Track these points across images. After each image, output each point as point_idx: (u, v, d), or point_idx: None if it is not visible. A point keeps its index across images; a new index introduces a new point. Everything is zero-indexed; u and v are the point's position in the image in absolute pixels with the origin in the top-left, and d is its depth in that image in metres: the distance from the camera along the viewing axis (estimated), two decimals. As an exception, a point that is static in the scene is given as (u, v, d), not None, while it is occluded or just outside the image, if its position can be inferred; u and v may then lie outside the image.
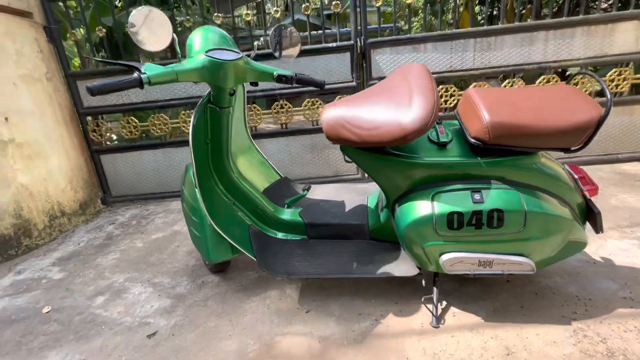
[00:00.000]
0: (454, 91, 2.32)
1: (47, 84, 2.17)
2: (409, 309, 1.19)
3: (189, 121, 2.10)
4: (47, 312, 1.40)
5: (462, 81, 3.39)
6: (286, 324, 1.20)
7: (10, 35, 1.93)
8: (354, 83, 2.32)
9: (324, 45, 2.26)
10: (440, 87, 2.32)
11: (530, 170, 0.96)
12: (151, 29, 0.90)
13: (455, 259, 1.01)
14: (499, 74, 2.41)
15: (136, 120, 2.44)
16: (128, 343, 1.18)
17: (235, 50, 1.06)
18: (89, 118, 2.44)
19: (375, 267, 1.18)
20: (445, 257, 1.01)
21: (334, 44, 2.26)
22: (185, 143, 2.40)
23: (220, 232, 1.13)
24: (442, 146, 1.01)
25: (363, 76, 2.33)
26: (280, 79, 1.07)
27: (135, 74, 0.85)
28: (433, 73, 2.29)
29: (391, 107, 0.95)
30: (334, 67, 2.31)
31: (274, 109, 2.41)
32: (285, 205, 1.45)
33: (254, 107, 2.41)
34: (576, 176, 1.04)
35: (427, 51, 2.26)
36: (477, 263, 1.00)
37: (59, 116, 2.24)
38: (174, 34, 0.94)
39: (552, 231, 0.96)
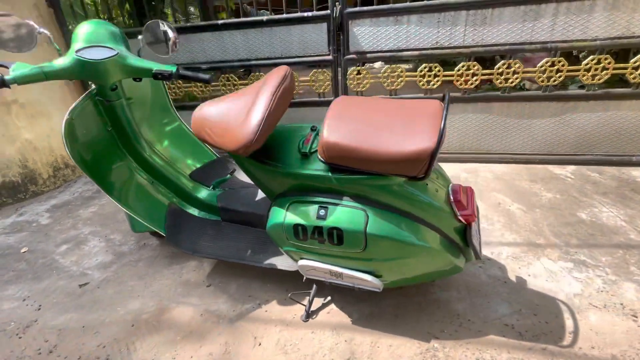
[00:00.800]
0: (439, 71, 2.09)
1: (47, 47, 2.38)
2: (294, 301, 1.27)
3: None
4: (24, 252, 1.72)
5: (449, 61, 2.99)
6: (186, 294, 1.35)
7: (9, 2, 2.12)
8: (330, 57, 2.20)
9: (298, 14, 2.13)
10: (424, 65, 2.10)
11: (388, 191, 0.91)
12: (13, 33, 0.97)
13: (309, 266, 1.04)
14: (492, 54, 2.11)
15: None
16: (64, 289, 1.44)
17: (111, 47, 1.08)
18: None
19: (265, 258, 1.26)
20: (300, 262, 1.05)
21: (309, 14, 2.12)
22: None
23: (122, 208, 1.26)
24: (304, 156, 0.99)
25: (341, 49, 2.19)
26: (157, 76, 1.09)
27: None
28: (416, 49, 2.08)
29: (239, 116, 0.95)
30: (309, 39, 2.19)
31: (251, 79, 2.40)
32: (212, 186, 1.54)
33: (230, 78, 2.42)
34: (452, 199, 0.96)
35: (410, 24, 2.03)
36: (328, 273, 1.03)
37: (60, 78, 2.48)
38: (38, 33, 1.01)
39: (401, 256, 0.93)
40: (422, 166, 0.79)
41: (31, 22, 1.02)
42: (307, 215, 0.94)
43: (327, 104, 2.34)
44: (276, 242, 1.08)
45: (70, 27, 2.49)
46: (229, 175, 1.58)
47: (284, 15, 2.17)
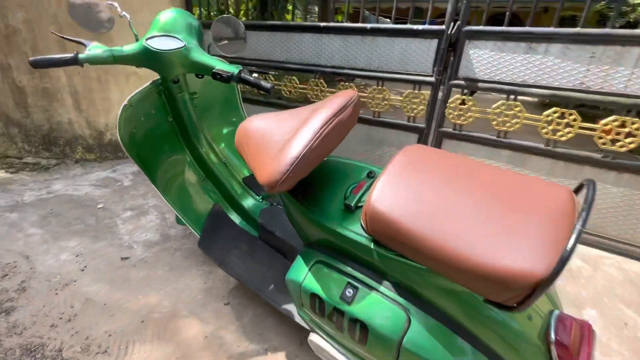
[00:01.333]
0: (574, 120, 1.58)
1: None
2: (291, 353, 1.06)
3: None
4: (99, 207, 1.90)
5: (594, 110, 2.25)
6: (202, 304, 1.27)
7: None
8: (432, 78, 1.88)
9: (408, 26, 1.87)
10: (554, 109, 1.62)
11: (451, 296, 0.62)
12: (95, 13, 0.97)
13: (319, 346, 0.81)
14: (668, 112, 1.49)
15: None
16: (110, 257, 1.51)
17: (181, 39, 1.01)
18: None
19: (284, 300, 1.08)
20: (312, 337, 0.83)
21: (420, 27, 1.84)
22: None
23: (164, 199, 1.23)
24: (348, 209, 0.76)
25: (447, 72, 1.85)
26: (215, 76, 0.98)
27: (74, 53, 0.95)
28: (550, 88, 1.61)
29: (278, 142, 0.77)
30: (413, 55, 1.91)
31: (339, 88, 2.24)
32: (261, 197, 1.43)
33: (319, 83, 2.30)
34: (552, 337, 0.61)
35: (549, 54, 1.57)
36: (342, 365, 0.78)
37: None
38: (117, 16, 0.99)
39: None
40: (518, 295, 0.49)
41: (115, 4, 1.03)
42: (330, 289, 0.72)
43: (415, 130, 2.04)
44: (292, 298, 0.88)
45: (197, 14, 2.71)
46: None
47: (391, 26, 1.93)
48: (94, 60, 0.96)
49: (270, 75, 2.52)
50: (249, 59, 2.51)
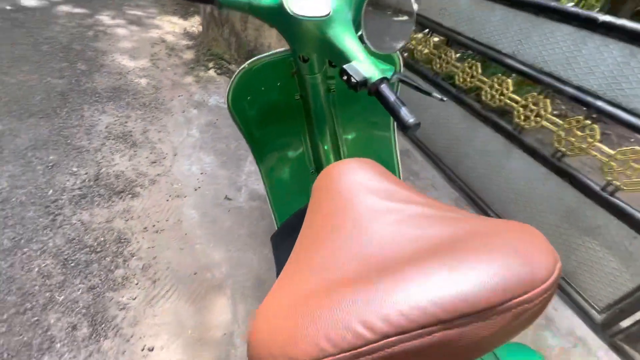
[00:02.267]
0: None
1: None
2: None
3: (506, 94, 1.61)
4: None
5: None
6: (247, 295, 1.17)
7: None
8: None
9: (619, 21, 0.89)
10: None
11: None
12: None
13: None
14: None
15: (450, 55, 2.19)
16: (219, 191, 1.58)
17: (330, 7, 0.65)
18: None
19: None
20: None
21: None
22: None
23: (263, 179, 1.09)
24: None
25: None
26: (342, 74, 0.60)
27: None
28: None
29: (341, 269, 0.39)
30: (612, 68, 0.94)
31: (567, 124, 1.44)
32: None
33: (543, 103, 1.54)
34: None
35: None
36: None
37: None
38: None
39: None
40: None
41: None
42: None
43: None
44: None
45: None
46: None
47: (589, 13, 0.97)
48: (231, 5, 0.79)
49: (468, 56, 1.88)
50: (453, 30, 1.94)
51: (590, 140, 1.36)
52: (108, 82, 2.11)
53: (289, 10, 0.67)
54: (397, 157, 1.16)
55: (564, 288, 1.50)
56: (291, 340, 0.29)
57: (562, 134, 1.46)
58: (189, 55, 2.78)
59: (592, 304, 1.41)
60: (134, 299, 1.07)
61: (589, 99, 1.36)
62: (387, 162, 1.17)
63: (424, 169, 2.17)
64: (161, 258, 1.22)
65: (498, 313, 0.26)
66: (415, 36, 2.33)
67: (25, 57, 2.10)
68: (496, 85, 1.76)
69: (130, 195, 1.41)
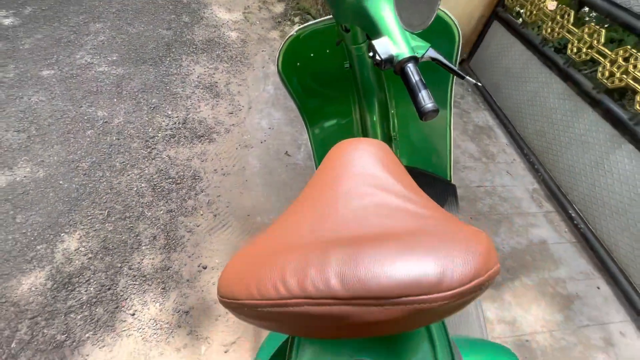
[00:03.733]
0: None
1: None
2: None
3: (632, 72, 1.29)
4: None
5: None
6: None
7: None
8: None
9: None
10: None
11: None
12: None
13: None
14: None
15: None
16: (282, 144, 1.70)
17: None
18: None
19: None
20: None
21: None
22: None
23: (310, 140, 1.14)
24: None
25: None
26: (369, 49, 0.56)
27: None
28: None
29: (330, 230, 0.43)
30: None
31: None
32: None
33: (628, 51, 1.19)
34: None
35: None
36: None
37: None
38: None
39: None
40: None
41: None
42: None
43: None
44: None
45: None
46: None
47: None
48: None
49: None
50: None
51: None
52: (204, 34, 2.34)
53: (335, -23, 0.66)
54: (450, 137, 1.08)
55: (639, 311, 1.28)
56: (238, 281, 0.36)
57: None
58: (278, 8, 2.84)
59: (677, 341, 1.18)
60: (198, 226, 1.30)
61: None
62: (439, 141, 1.10)
63: (503, 152, 1.94)
64: (224, 197, 1.42)
65: (391, 304, 0.28)
66: (525, -8, 1.95)
67: (144, 9, 2.45)
68: (620, 60, 1.42)
69: (208, 140, 1.64)
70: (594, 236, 1.50)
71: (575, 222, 1.58)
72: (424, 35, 0.64)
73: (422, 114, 0.53)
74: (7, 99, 1.59)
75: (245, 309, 0.35)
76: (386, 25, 0.60)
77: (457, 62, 0.96)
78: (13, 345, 0.94)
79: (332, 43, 0.93)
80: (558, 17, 1.73)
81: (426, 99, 0.53)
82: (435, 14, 0.60)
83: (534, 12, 1.88)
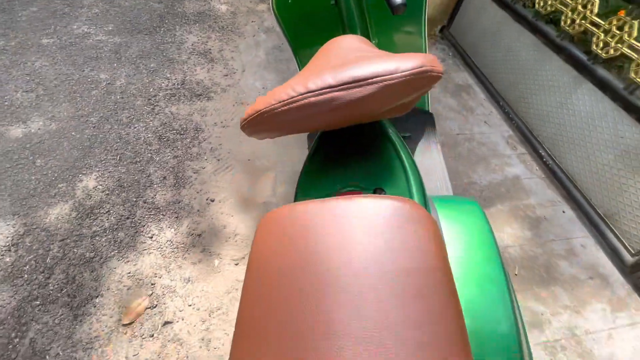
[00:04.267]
0: None
1: None
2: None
3: (589, 17, 1.41)
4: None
5: None
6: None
7: None
8: None
9: None
10: None
11: None
12: None
13: None
14: None
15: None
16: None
17: None
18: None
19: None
20: None
21: None
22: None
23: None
24: None
25: None
26: None
27: None
28: None
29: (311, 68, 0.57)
30: None
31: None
32: None
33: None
34: None
35: None
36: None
37: None
38: None
39: None
40: None
41: None
42: None
43: None
44: None
45: None
46: (408, 134, 1.21)
47: None
48: None
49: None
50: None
51: None
52: (195, 7, 2.42)
53: None
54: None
55: (600, 228, 1.46)
56: (260, 100, 0.50)
57: None
58: (265, -16, 2.92)
59: (627, 245, 1.37)
60: (204, 169, 1.43)
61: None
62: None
63: (481, 106, 2.10)
64: (225, 145, 1.54)
65: (367, 84, 0.42)
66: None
67: (135, -16, 2.51)
68: (579, 8, 1.57)
69: (206, 98, 1.75)
70: (561, 170, 1.67)
71: (544, 160, 1.75)
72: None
73: (395, 8, 0.67)
74: (11, 64, 1.67)
75: (265, 116, 0.49)
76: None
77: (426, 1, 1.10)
78: (48, 260, 1.06)
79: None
80: (526, -25, 1.87)
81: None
82: None
83: (506, -28, 2.01)
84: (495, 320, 0.46)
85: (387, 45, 1.21)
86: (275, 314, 0.34)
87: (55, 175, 1.28)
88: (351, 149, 0.70)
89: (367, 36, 1.15)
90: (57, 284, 1.03)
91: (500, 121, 2.02)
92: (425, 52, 1.19)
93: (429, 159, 1.18)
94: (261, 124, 0.52)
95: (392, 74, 0.43)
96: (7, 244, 1.08)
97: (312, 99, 0.46)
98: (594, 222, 1.50)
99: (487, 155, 1.77)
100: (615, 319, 1.23)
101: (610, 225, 1.44)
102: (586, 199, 1.55)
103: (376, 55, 0.50)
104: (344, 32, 1.16)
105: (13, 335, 0.93)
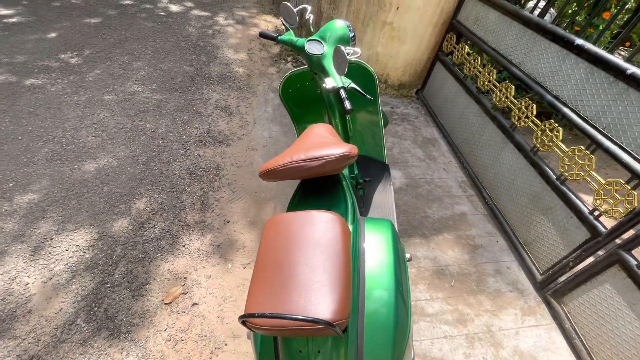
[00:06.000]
0: None
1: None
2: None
3: (509, 97, 2.03)
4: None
5: None
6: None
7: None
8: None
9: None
10: None
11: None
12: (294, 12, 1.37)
13: None
14: None
15: (494, 81, 2.56)
16: (278, 149, 2.35)
17: (326, 48, 1.29)
18: (450, 33, 2.84)
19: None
20: None
21: None
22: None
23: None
24: None
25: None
26: (323, 82, 1.23)
27: (277, 33, 1.45)
28: None
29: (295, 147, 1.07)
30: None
31: (543, 125, 1.80)
32: (358, 179, 1.76)
33: (529, 106, 1.90)
34: None
35: None
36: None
37: (434, 18, 2.83)
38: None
39: None
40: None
41: (308, 7, 1.42)
42: None
43: (593, 230, 1.49)
44: None
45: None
46: (368, 179, 1.70)
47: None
48: (284, 42, 1.47)
49: (490, 66, 2.25)
50: (482, 39, 2.34)
51: (555, 139, 1.74)
52: (218, 70, 3.06)
53: (307, 49, 1.35)
54: (382, 134, 1.75)
55: (521, 254, 1.91)
56: (269, 162, 1.00)
57: (539, 133, 1.83)
58: (275, 49, 3.61)
59: (538, 267, 1.81)
60: (222, 198, 1.92)
61: (560, 105, 1.73)
62: (376, 138, 1.77)
63: (443, 156, 2.63)
64: (239, 181, 2.05)
65: (317, 160, 0.93)
66: (454, 44, 2.75)
67: (172, 51, 3.18)
68: (503, 90, 2.15)
69: (225, 144, 2.29)
70: (497, 208, 2.16)
71: (487, 200, 2.24)
72: (353, 77, 1.33)
73: (346, 111, 1.20)
74: (83, 115, 2.24)
75: (272, 171, 0.99)
76: (330, 72, 1.28)
77: (378, 90, 1.65)
78: (114, 258, 1.52)
79: (309, 79, 1.61)
80: (471, 60, 2.49)
81: (348, 106, 1.20)
82: (346, 68, 1.27)
83: (459, 55, 2.65)
84: (381, 300, 0.91)
85: (357, 124, 1.75)
86: (270, 271, 0.80)
87: (117, 198, 1.77)
88: (319, 188, 1.19)
89: (343, 114, 1.69)
90: (120, 274, 1.48)
91: (457, 169, 2.54)
92: (380, 121, 1.72)
93: (383, 196, 1.68)
94: (271, 175, 1.02)
95: (330, 155, 0.94)
96: (87, 245, 1.55)
97: (294, 164, 0.96)
98: (517, 249, 1.95)
99: (441, 196, 2.27)
100: (524, 321, 1.64)
101: (527, 251, 1.90)
102: (513, 231, 2.01)
103: (328, 142, 1.01)
104: (325, 109, 1.71)
105: (93, 305, 1.36)
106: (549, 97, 1.80)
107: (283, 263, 0.81)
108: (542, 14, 1.99)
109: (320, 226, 0.86)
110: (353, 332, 0.85)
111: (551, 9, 2.60)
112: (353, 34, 1.40)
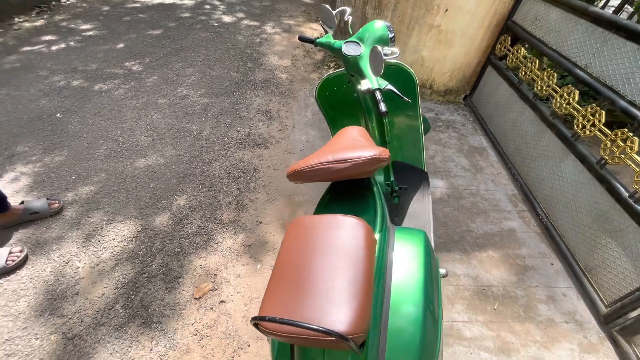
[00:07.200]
0: None
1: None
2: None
3: (572, 103, 1.86)
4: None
5: None
6: (313, 213, 1.91)
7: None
8: None
9: None
10: None
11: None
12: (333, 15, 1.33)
13: None
14: None
15: (554, 83, 2.31)
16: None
17: (362, 48, 1.23)
18: (505, 35, 2.63)
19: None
20: None
21: None
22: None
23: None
24: None
25: None
26: (359, 84, 1.17)
27: (314, 37, 1.43)
28: None
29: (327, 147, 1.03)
30: None
31: (614, 135, 1.57)
32: (393, 186, 1.68)
33: (598, 114, 1.67)
34: None
35: None
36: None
37: (486, 20, 2.65)
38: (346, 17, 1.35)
39: None
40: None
41: (347, 9, 1.38)
42: None
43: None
44: None
45: None
46: (405, 187, 1.61)
47: None
48: (322, 44, 1.45)
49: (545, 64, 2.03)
50: (541, 40, 2.13)
51: (628, 151, 1.51)
52: (263, 76, 3.17)
53: (344, 51, 1.32)
54: (422, 140, 1.64)
55: (581, 280, 1.68)
56: (299, 162, 0.98)
57: (609, 143, 1.61)
58: (318, 56, 3.65)
59: (602, 297, 1.57)
60: (257, 199, 1.95)
61: (636, 112, 1.50)
62: (416, 143, 1.67)
63: (491, 166, 2.43)
64: (274, 183, 2.07)
65: (346, 162, 0.89)
66: (508, 46, 2.55)
67: (221, 58, 3.36)
68: (565, 95, 1.93)
69: (264, 147, 2.34)
70: (553, 227, 1.92)
71: (541, 217, 2.01)
72: (392, 79, 1.27)
73: (381, 113, 1.14)
74: (139, 116, 2.44)
75: (300, 172, 0.97)
76: (366, 73, 1.24)
77: (418, 93, 1.56)
78: (153, 250, 1.61)
79: (346, 82, 1.58)
80: (528, 63, 2.28)
81: (383, 108, 1.14)
82: (382, 68, 1.21)
83: (514, 59, 2.44)
84: (408, 316, 0.83)
85: (395, 129, 1.67)
86: (288, 273, 0.77)
87: (161, 194, 1.89)
88: (349, 192, 1.15)
89: (380, 118, 1.63)
90: (157, 266, 1.56)
91: (507, 181, 2.32)
92: (420, 127, 1.63)
93: (420, 206, 1.57)
94: (298, 177, 0.99)
95: (358, 157, 0.89)
96: (131, 236, 1.66)
97: (322, 166, 0.93)
98: (577, 274, 1.71)
99: (488, 209, 2.08)
100: (582, 358, 1.42)
101: (589, 278, 1.65)
102: (572, 254, 1.77)
103: (358, 145, 0.96)
104: (362, 112, 1.66)
105: (131, 292, 1.45)
106: (623, 103, 1.57)
107: (302, 266, 0.77)
108: (617, 11, 1.76)
109: (344, 231, 0.81)
110: (374, 349, 0.78)
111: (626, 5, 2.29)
112: (392, 34, 1.34)
